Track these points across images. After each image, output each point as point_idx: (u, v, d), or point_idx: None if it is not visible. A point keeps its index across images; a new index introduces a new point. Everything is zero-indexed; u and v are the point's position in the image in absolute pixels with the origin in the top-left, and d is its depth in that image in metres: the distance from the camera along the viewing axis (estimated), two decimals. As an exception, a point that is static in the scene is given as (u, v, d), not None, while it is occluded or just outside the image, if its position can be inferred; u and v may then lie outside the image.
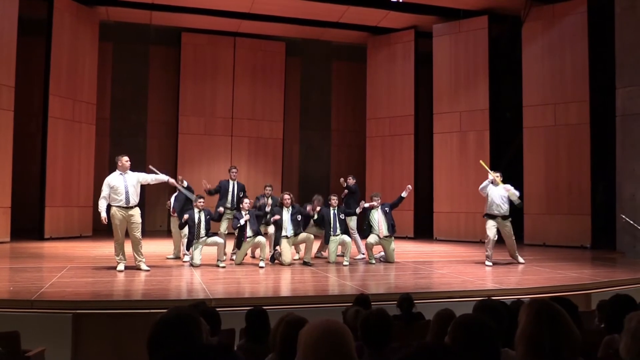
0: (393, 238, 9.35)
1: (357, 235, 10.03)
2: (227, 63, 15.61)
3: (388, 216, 9.25)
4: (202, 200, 8.62)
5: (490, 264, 9.13)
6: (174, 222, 9.39)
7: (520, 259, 9.28)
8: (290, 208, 8.97)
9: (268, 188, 9.66)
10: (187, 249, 8.64)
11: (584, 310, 5.30)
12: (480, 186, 9.30)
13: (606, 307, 3.72)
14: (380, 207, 9.31)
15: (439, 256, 10.91)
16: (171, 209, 9.31)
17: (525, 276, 8.09)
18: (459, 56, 14.17)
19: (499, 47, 14.25)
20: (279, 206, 9.12)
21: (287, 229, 8.86)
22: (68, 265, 8.08)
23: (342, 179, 10.66)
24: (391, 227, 9.21)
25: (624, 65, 11.39)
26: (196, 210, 8.51)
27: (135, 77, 15.53)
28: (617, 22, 11.58)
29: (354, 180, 10.58)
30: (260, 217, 8.98)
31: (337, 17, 14.41)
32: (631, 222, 10.97)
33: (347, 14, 14.11)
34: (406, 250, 11.17)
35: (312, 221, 9.37)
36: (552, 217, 12.65)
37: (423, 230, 14.61)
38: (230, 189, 9.51)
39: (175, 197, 9.31)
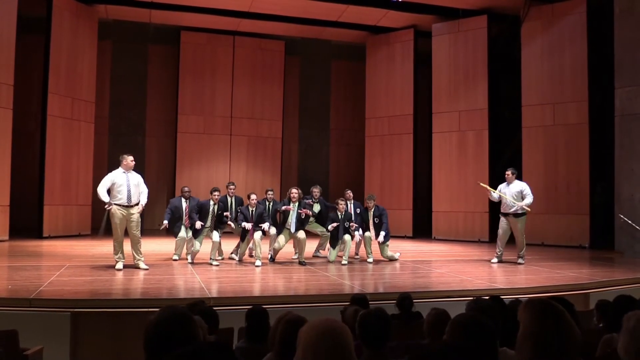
0: (387, 245, 9.30)
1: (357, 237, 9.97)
2: (226, 62, 15.60)
3: (376, 225, 9.24)
4: (217, 192, 8.78)
5: (495, 260, 9.26)
6: (183, 230, 9.26)
7: (521, 260, 9.24)
8: (297, 204, 8.92)
9: (270, 192, 9.63)
10: (194, 236, 8.67)
11: (582, 310, 5.31)
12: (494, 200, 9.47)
13: (609, 307, 3.72)
14: (372, 210, 9.30)
15: (438, 255, 10.92)
16: (185, 221, 9.10)
17: (523, 276, 8.10)
18: (458, 56, 14.18)
19: (498, 47, 14.25)
20: (287, 200, 9.11)
21: (292, 224, 8.84)
22: (66, 264, 8.08)
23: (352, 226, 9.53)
24: (382, 236, 9.14)
25: (622, 65, 11.40)
26: (212, 202, 8.71)
27: (134, 76, 15.51)
28: (616, 22, 11.59)
29: (351, 195, 10.03)
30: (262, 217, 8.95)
31: (337, 16, 14.40)
32: (630, 221, 10.98)
33: (346, 13, 14.11)
34: (405, 249, 11.17)
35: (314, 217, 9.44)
36: (550, 216, 12.66)
37: (422, 230, 14.61)
38: (229, 205, 9.51)
39: (188, 212, 9.20)
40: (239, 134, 15.65)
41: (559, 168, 12.64)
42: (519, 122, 13.28)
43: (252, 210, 8.76)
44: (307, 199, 9.42)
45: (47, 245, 10.92)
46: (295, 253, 9.34)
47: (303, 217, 8.88)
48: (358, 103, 16.40)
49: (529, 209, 9.12)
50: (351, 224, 9.23)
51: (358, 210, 9.58)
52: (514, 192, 9.10)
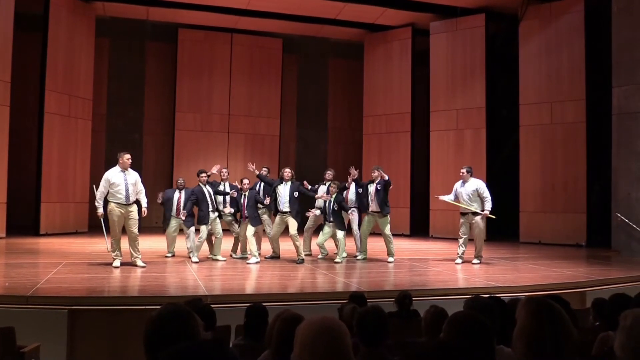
0: (388, 218, 9.09)
1: (358, 235, 9.64)
2: (224, 59, 15.57)
3: (379, 193, 8.98)
4: (204, 174, 8.74)
5: (459, 261, 8.92)
6: (176, 223, 9.21)
7: (476, 260, 8.90)
8: (290, 183, 8.79)
9: (264, 169, 9.67)
10: (202, 223, 8.55)
11: (578, 308, 5.33)
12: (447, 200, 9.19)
13: (605, 305, 3.73)
14: (375, 182, 9.07)
15: (435, 254, 10.93)
16: (181, 213, 8.78)
17: (520, 274, 8.12)
18: (456, 54, 14.18)
19: (495, 45, 14.27)
20: (279, 180, 8.96)
21: (283, 203, 8.68)
22: (64, 261, 8.07)
23: (353, 171, 9.38)
24: (383, 204, 8.96)
25: (620, 64, 11.42)
26: (200, 184, 8.64)
27: (131, 73, 15.48)
28: (613, 21, 11.61)
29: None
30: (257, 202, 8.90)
31: (335, 14, 14.39)
32: (626, 220, 11.01)
33: (344, 11, 14.10)
34: (402, 247, 11.19)
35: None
36: (547, 215, 12.68)
37: (419, 228, 14.61)
38: (223, 189, 9.45)
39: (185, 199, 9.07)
40: (236, 131, 15.63)
41: (556, 166, 12.66)
42: (517, 121, 13.30)
43: (245, 195, 8.82)
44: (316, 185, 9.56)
45: (44, 243, 10.90)
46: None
47: (296, 196, 8.73)
48: (356, 101, 16.39)
49: (490, 215, 8.78)
50: (351, 210, 9.16)
51: (360, 190, 9.37)
52: (470, 192, 8.80)
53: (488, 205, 8.73)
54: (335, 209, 8.85)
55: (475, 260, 8.93)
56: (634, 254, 10.75)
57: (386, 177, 9.01)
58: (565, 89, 12.62)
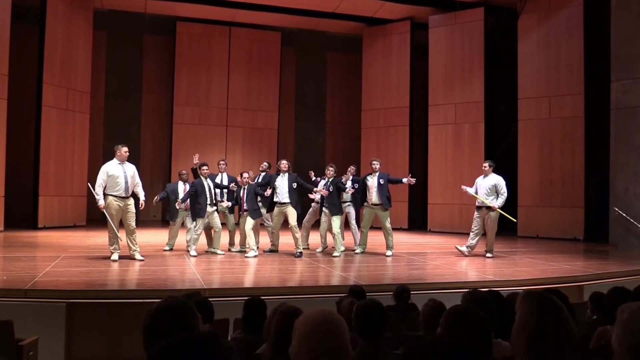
0: (389, 211, 9.10)
1: (355, 228, 9.78)
2: (222, 53, 15.54)
3: (382, 187, 8.95)
4: (206, 167, 8.63)
5: (464, 249, 9.01)
6: (180, 215, 9.16)
7: (489, 254, 9.02)
8: (287, 175, 8.74)
9: (265, 163, 9.65)
10: (199, 216, 8.43)
11: (576, 302, 5.34)
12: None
13: (603, 299, 3.74)
14: (377, 175, 9.03)
15: (433, 247, 10.95)
16: (177, 203, 8.70)
17: (518, 268, 8.13)
18: (454, 48, 14.16)
19: (494, 39, 14.24)
20: (276, 173, 8.93)
21: (282, 194, 8.65)
22: (62, 255, 8.07)
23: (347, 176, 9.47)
24: (386, 199, 8.96)
25: (618, 59, 11.42)
26: (202, 177, 8.59)
27: (129, 67, 15.43)
28: (612, 16, 11.61)
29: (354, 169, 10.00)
30: (257, 194, 8.86)
31: (333, 8, 14.35)
32: (624, 214, 11.04)
33: (342, 4, 14.06)
34: (400, 241, 11.19)
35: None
36: (545, 209, 12.70)
37: (417, 222, 14.64)
38: (221, 181, 9.41)
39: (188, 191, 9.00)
40: (234, 125, 15.61)
41: (554, 161, 12.67)
42: (515, 115, 13.30)
43: (244, 188, 8.80)
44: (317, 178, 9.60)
45: (42, 236, 10.89)
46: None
47: (295, 187, 8.70)
48: (354, 95, 16.37)
49: (510, 217, 9.03)
50: (348, 190, 9.13)
51: (356, 186, 9.34)
52: (488, 186, 8.83)
53: (499, 201, 8.79)
54: (331, 190, 8.91)
55: (489, 255, 9.02)
56: (631, 248, 10.79)
57: (403, 180, 9.17)
58: (563, 83, 12.61)
